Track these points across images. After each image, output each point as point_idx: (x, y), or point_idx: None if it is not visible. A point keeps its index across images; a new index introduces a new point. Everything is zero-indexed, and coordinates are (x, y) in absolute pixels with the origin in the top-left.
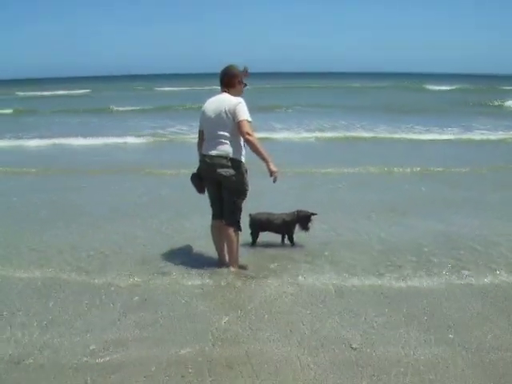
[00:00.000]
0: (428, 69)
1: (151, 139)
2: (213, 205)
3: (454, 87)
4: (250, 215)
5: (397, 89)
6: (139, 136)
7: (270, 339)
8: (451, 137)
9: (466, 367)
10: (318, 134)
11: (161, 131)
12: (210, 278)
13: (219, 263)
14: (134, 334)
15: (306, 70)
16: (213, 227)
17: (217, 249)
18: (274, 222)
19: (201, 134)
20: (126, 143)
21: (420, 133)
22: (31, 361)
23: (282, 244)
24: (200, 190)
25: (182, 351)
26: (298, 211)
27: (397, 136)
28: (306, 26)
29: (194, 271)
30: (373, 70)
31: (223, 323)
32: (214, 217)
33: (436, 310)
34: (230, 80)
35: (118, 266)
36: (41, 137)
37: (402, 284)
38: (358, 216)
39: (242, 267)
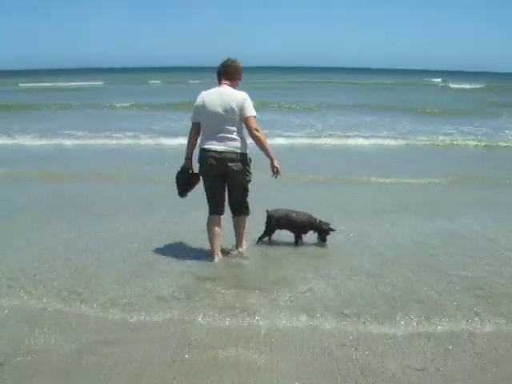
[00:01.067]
0: (445, 66)
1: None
2: (213, 200)
3: (479, 86)
4: (268, 211)
5: (418, 86)
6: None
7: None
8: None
9: None
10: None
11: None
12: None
13: (211, 256)
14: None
15: (317, 65)
16: (210, 221)
17: (211, 243)
18: (294, 221)
19: (195, 126)
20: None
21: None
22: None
23: (296, 245)
24: (183, 191)
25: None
26: (319, 221)
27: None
28: (310, 22)
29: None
30: (388, 66)
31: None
32: (213, 212)
33: None
34: (236, 72)
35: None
36: (43, 134)
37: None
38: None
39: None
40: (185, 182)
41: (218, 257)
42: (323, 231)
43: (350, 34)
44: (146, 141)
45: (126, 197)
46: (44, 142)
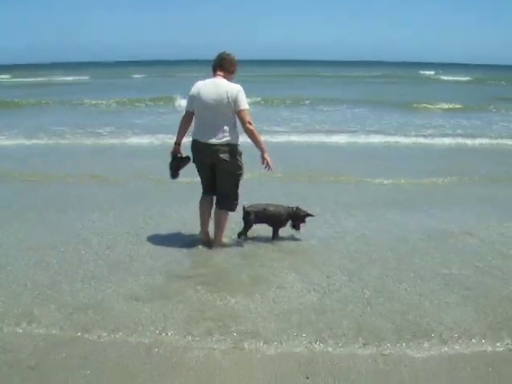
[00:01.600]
0: (439, 58)
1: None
2: (206, 183)
3: (471, 78)
4: (244, 207)
5: (411, 79)
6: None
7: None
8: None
9: None
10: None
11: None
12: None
13: (203, 239)
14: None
15: (312, 59)
16: (203, 200)
17: (202, 222)
18: (272, 214)
19: (189, 115)
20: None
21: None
22: None
23: (273, 239)
24: (174, 173)
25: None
26: (296, 208)
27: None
28: (301, 15)
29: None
30: (381, 58)
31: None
32: (206, 193)
33: None
34: (231, 65)
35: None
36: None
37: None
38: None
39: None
40: (178, 167)
41: (208, 236)
42: (301, 218)
43: (346, 25)
44: (130, 138)
45: (107, 194)
46: (21, 141)
